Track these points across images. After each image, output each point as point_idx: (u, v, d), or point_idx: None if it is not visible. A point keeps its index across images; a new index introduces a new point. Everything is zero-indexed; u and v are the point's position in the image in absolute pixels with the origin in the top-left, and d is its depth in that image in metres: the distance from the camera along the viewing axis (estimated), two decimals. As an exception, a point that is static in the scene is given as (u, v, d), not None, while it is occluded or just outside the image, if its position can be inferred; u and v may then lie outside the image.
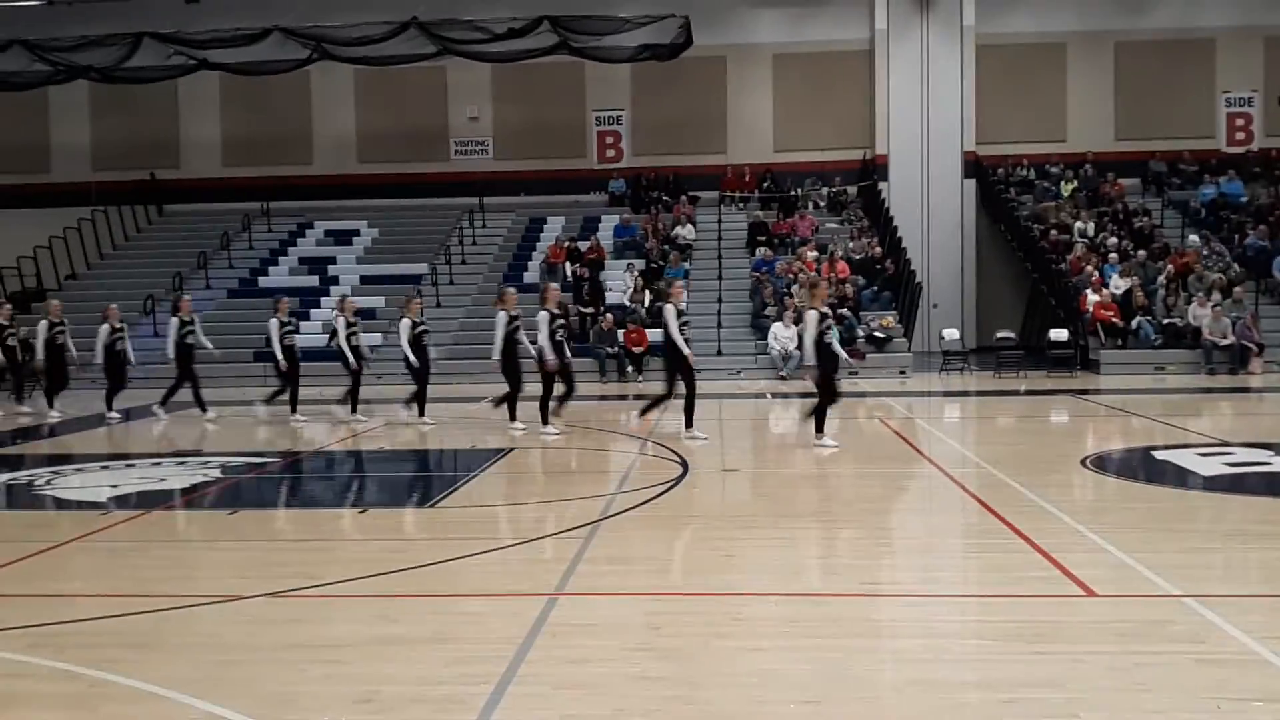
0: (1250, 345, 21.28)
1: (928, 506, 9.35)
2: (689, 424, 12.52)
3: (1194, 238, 24.99)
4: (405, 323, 14.87)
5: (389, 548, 7.55)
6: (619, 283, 25.02)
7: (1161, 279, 23.31)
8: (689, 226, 27.56)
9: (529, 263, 27.04)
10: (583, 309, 23.95)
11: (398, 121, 29.89)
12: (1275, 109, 28.69)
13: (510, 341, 13.59)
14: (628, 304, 24.18)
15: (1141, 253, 24.41)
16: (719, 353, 22.99)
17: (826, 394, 11.61)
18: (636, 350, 22.59)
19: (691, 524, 8.37)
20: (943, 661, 4.98)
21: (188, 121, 30.81)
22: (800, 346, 11.88)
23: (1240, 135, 28.91)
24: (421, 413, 14.89)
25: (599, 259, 26.12)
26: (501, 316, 13.57)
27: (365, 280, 26.52)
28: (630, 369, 22.42)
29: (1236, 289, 22.67)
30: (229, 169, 30.46)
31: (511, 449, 12.43)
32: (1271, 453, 10.87)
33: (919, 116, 28.63)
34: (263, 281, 26.83)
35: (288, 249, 28.67)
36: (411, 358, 14.67)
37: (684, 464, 10.87)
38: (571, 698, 4.56)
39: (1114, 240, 25.19)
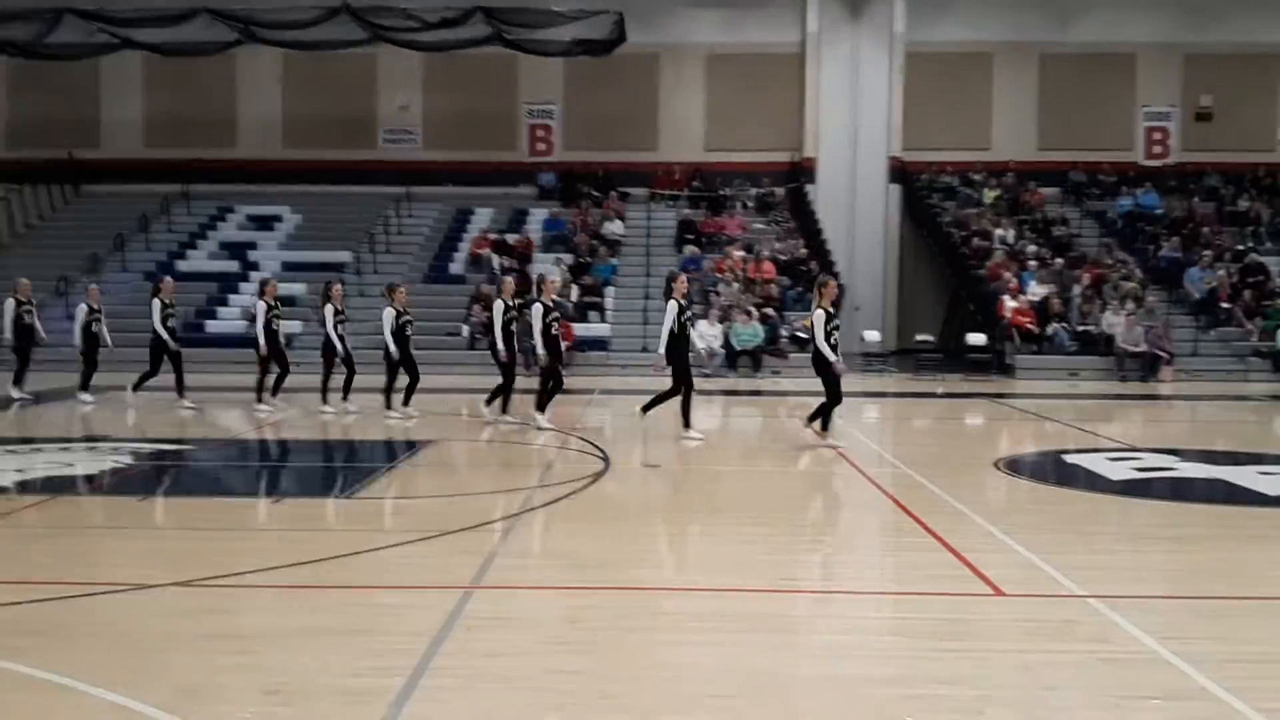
0: (1161, 354, 21.87)
1: (844, 505, 9.47)
2: (687, 424, 12.45)
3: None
4: (389, 312, 14.57)
5: (304, 538, 7.46)
6: (549, 277, 24.92)
7: (1077, 287, 23.84)
8: (618, 222, 27.58)
9: (455, 254, 26.86)
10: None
11: (325, 107, 29.50)
12: (1192, 124, 29.50)
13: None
14: (557, 298, 24.07)
15: (1059, 261, 24.95)
16: (644, 349, 23.02)
17: (834, 394, 11.66)
18: (564, 345, 22.48)
19: (611, 519, 8.38)
20: (854, 657, 5.06)
21: (109, 100, 30.12)
22: (813, 343, 11.79)
23: (1158, 149, 29.68)
24: (389, 405, 14.55)
25: (527, 252, 26.03)
26: (499, 305, 13.75)
27: (287, 267, 26.12)
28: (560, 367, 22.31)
29: (1149, 299, 23.29)
30: (150, 150, 29.81)
31: (434, 441, 12.34)
32: (1178, 458, 11.18)
33: (847, 121, 28.95)
34: (181, 265, 26.29)
35: (208, 233, 28.16)
36: (393, 348, 14.41)
37: (606, 459, 10.89)
38: (484, 691, 4.54)
39: (1033, 248, 25.71)
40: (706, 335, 22.20)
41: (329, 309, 14.88)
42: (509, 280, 14.44)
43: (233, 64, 29.09)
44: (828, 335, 11.39)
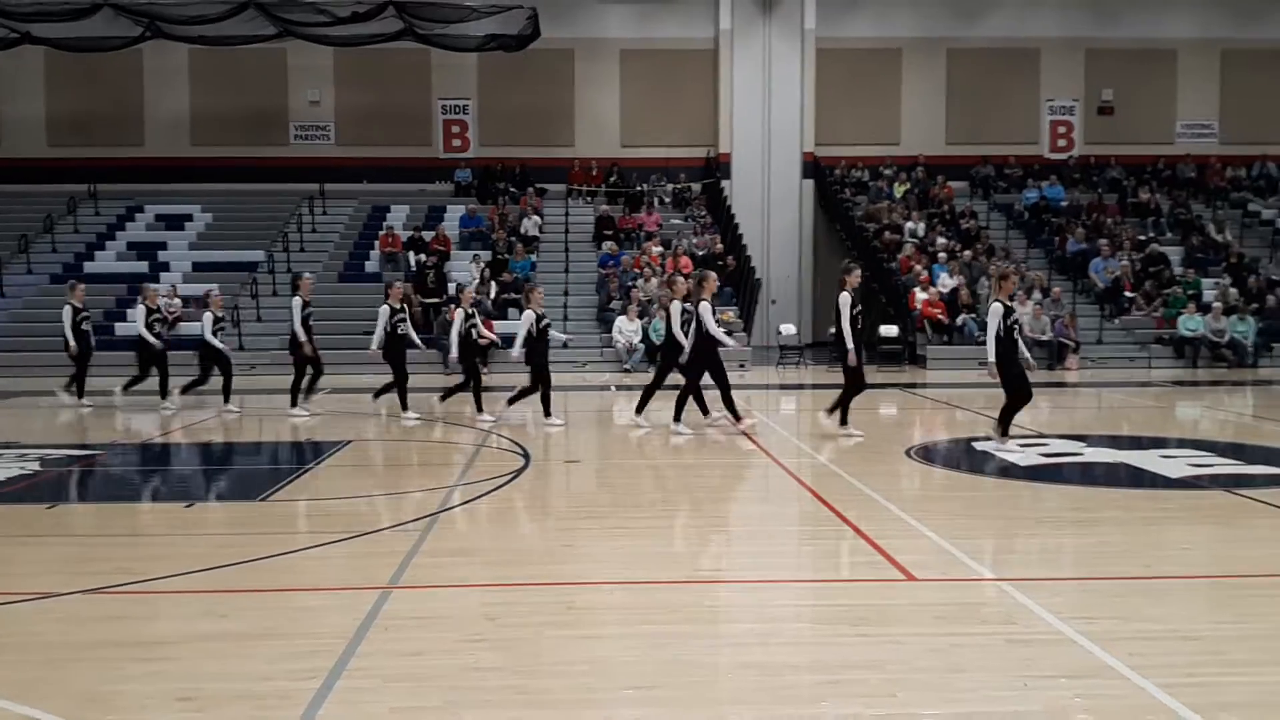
0: (1067, 342, 22.44)
1: (762, 496, 9.58)
2: (677, 417, 12.59)
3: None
4: (296, 301, 14.59)
5: (217, 542, 7.35)
6: (464, 273, 24.79)
7: (985, 278, 24.33)
8: (536, 219, 27.51)
9: (371, 252, 26.58)
10: (425, 300, 23.66)
11: (235, 103, 28.97)
12: (1094, 117, 30.27)
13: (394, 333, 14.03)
14: (474, 296, 23.94)
15: (968, 253, 25.45)
16: (565, 346, 23.01)
17: (855, 382, 11.96)
18: (482, 342, 22.37)
19: (531, 515, 8.40)
20: (771, 645, 5.13)
21: (9, 98, 29.26)
22: (838, 333, 11.96)
23: (1062, 142, 30.41)
24: (294, 402, 14.64)
25: (444, 249, 25.85)
26: (384, 310, 13.98)
27: (198, 267, 25.66)
28: (476, 360, 22.18)
29: (1055, 288, 23.86)
30: (54, 149, 29.03)
31: (350, 441, 12.22)
32: (1083, 444, 11.48)
33: (761, 116, 29.21)
34: (89, 267, 25.66)
35: (115, 233, 27.50)
36: (303, 338, 14.43)
37: (526, 456, 10.88)
38: (402, 690, 4.53)
39: (942, 240, 26.18)
40: (625, 331, 22.28)
41: (296, 301, 14.65)
42: (468, 290, 15.28)
43: (138, 60, 28.44)
44: (854, 321, 11.73)
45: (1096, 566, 6.80)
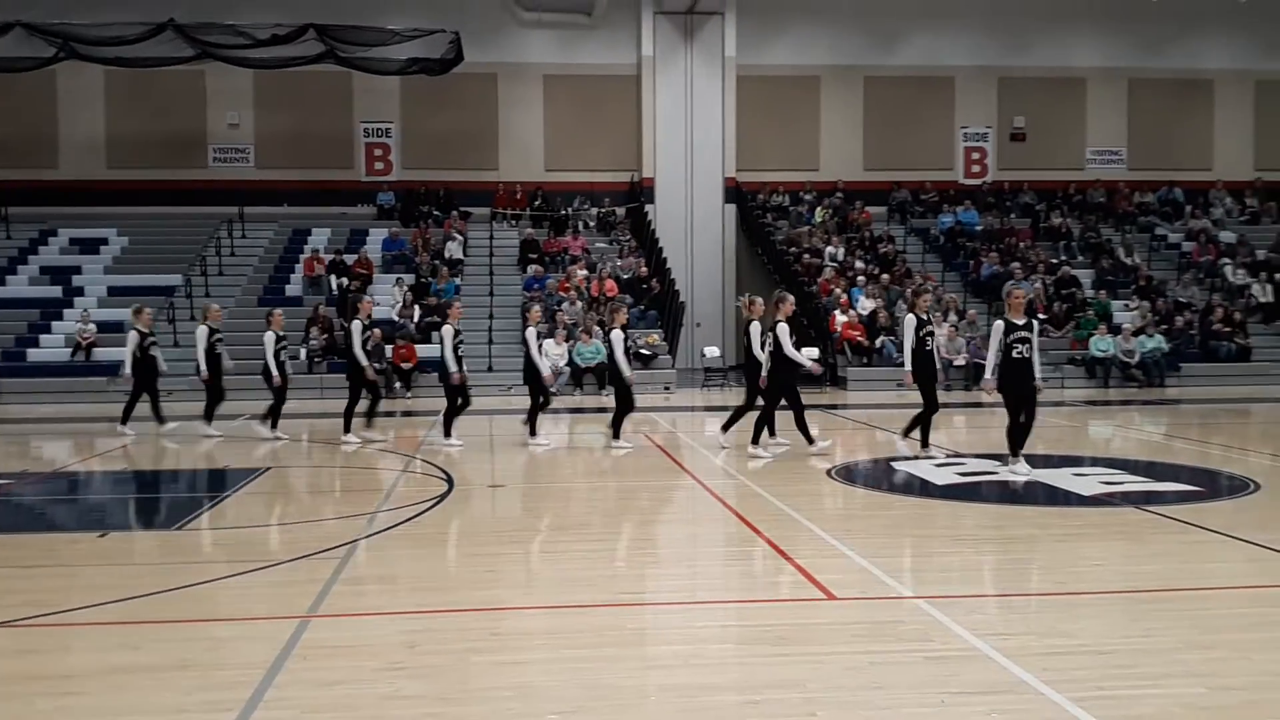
0: (983, 364, 22.82)
1: (686, 517, 9.63)
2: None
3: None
4: (269, 336, 14.64)
5: (131, 573, 7.20)
6: (387, 297, 24.61)
7: (902, 301, 24.75)
8: (460, 242, 27.41)
9: (291, 275, 26.27)
10: (347, 324, 23.38)
11: (152, 126, 28.45)
12: (1007, 144, 30.99)
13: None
14: (396, 319, 23.82)
15: (886, 276, 25.87)
16: (490, 369, 22.95)
17: (930, 403, 12.22)
18: (405, 366, 22.28)
19: (454, 540, 8.35)
20: (694, 666, 5.16)
21: (-83, 120, 28.44)
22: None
23: (976, 168, 31.08)
24: (275, 426, 14.71)
25: (366, 273, 25.63)
26: (270, 336, 14.27)
27: (113, 291, 25.12)
28: (399, 385, 22.06)
29: (971, 311, 24.34)
30: (-37, 172, 28.28)
31: (268, 468, 12.04)
32: (999, 463, 11.70)
33: (684, 141, 29.44)
34: (0, 292, 25.03)
35: (28, 257, 26.83)
36: (274, 372, 14.58)
37: (450, 480, 10.82)
38: (321, 720, 4.48)
39: (861, 264, 26.58)
40: (551, 354, 22.25)
41: (269, 335, 14.70)
42: (366, 301, 15.14)
43: (52, 81, 27.80)
44: (921, 341, 11.89)
45: (1012, 583, 6.95)
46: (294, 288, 25.87)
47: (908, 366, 11.74)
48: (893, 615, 5.95)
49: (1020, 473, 10.70)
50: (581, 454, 13.05)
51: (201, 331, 14.86)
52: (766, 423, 12.76)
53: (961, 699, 4.66)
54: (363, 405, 14.47)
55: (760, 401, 12.85)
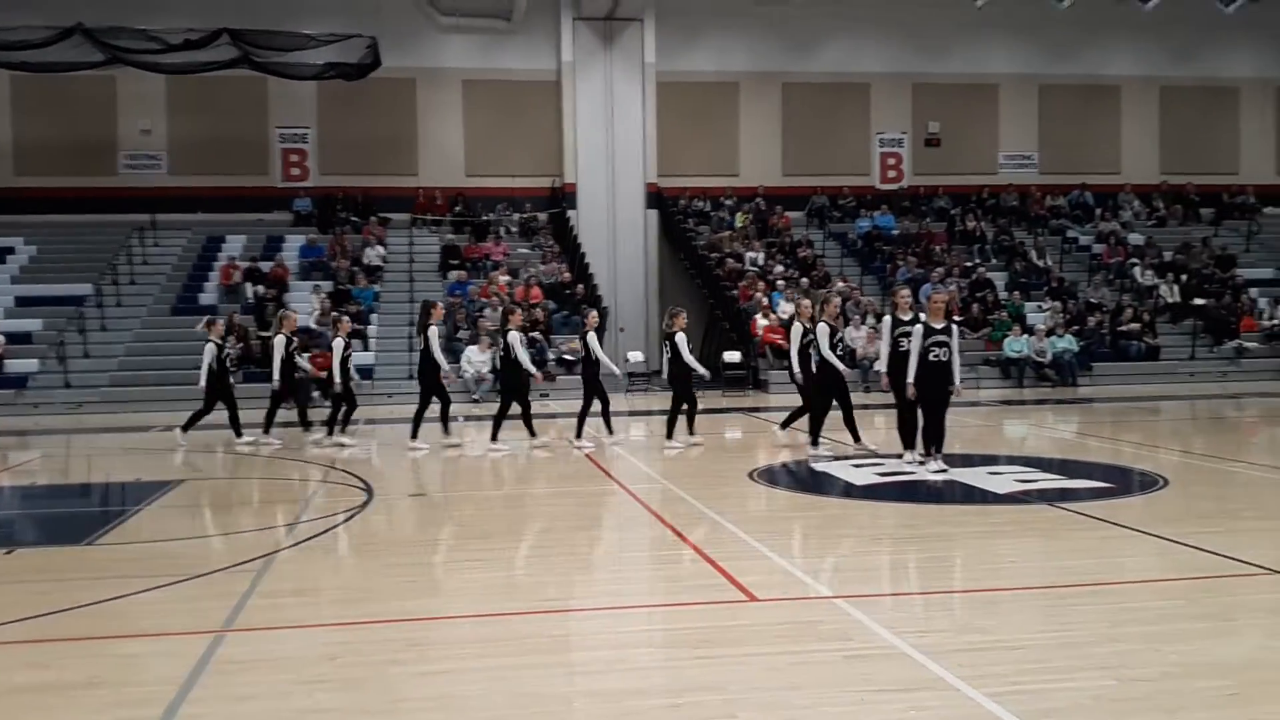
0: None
1: (608, 523, 9.62)
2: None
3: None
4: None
5: (39, 589, 6.99)
6: (304, 304, 24.25)
7: (804, 307, 24.99)
8: (379, 248, 27.13)
9: (205, 283, 25.78)
10: (263, 333, 23.03)
11: (61, 132, 27.73)
12: (922, 149, 31.51)
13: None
14: (314, 326, 23.48)
15: (805, 280, 26.14)
16: (411, 376, 22.68)
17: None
18: (322, 374, 21.91)
19: (374, 551, 8.25)
20: (616, 672, 5.16)
21: None
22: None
23: (892, 173, 31.54)
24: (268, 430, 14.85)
25: (283, 279, 25.25)
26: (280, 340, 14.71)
27: (21, 301, 24.48)
28: (316, 394, 21.71)
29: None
30: None
31: (184, 480, 11.80)
32: (916, 462, 11.86)
33: (605, 147, 29.47)
34: (-103, 302, 24.22)
35: (-69, 267, 26.03)
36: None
37: (369, 490, 10.69)
38: (238, 735, 4.40)
39: (781, 269, 26.83)
40: (475, 361, 22.12)
41: (337, 341, 14.80)
42: (345, 320, 15.46)
43: (-46, 87, 27.01)
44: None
45: (929, 581, 7.05)
46: (209, 296, 25.39)
47: (796, 370, 13.18)
48: (813, 615, 6.00)
49: (930, 468, 10.98)
50: (504, 461, 12.99)
51: (279, 341, 14.86)
52: (811, 421, 13.06)
53: (880, 697, 4.71)
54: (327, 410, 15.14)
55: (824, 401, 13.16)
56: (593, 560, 8.04)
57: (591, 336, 14.13)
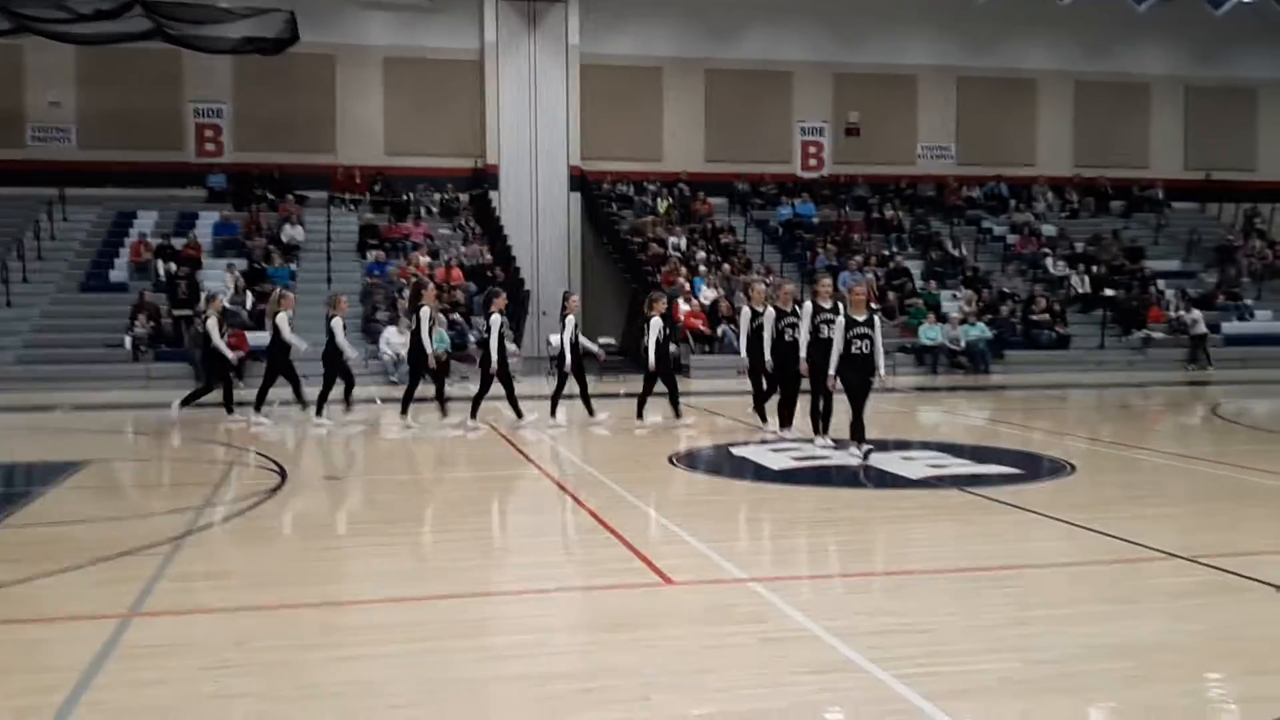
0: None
1: (527, 506, 9.61)
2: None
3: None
4: (282, 317, 14.65)
5: (-63, 574, 6.78)
6: (218, 283, 23.76)
7: (743, 291, 25.20)
8: (297, 227, 26.68)
9: (116, 260, 25.14)
10: (176, 311, 22.57)
11: (-37, 104, 26.84)
12: (843, 139, 31.82)
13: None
14: (227, 305, 22.98)
15: (727, 266, 26.29)
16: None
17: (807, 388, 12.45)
18: (237, 355, 21.52)
19: (287, 534, 8.14)
20: (534, 656, 5.15)
21: None
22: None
23: (813, 161, 31.82)
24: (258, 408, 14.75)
25: (196, 257, 24.72)
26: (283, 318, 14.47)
27: (-81, 277, 23.64)
28: (231, 374, 21.28)
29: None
30: None
31: (91, 460, 11.51)
32: (832, 447, 12.01)
33: (528, 129, 29.31)
34: None
35: None
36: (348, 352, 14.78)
37: (283, 472, 10.54)
38: (143, 722, 4.31)
39: (703, 254, 26.95)
40: (393, 343, 21.87)
41: (337, 321, 14.64)
42: (343, 298, 15.32)
43: None
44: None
45: (843, 564, 7.16)
46: (119, 273, 24.77)
47: (744, 354, 13.13)
48: (728, 599, 6.05)
49: (853, 452, 11.09)
50: (422, 444, 12.88)
51: (337, 323, 14.56)
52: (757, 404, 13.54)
53: (792, 679, 4.77)
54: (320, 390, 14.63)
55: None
56: (510, 544, 8.02)
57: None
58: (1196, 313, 25.76)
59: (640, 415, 14.22)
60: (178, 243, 25.12)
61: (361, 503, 9.68)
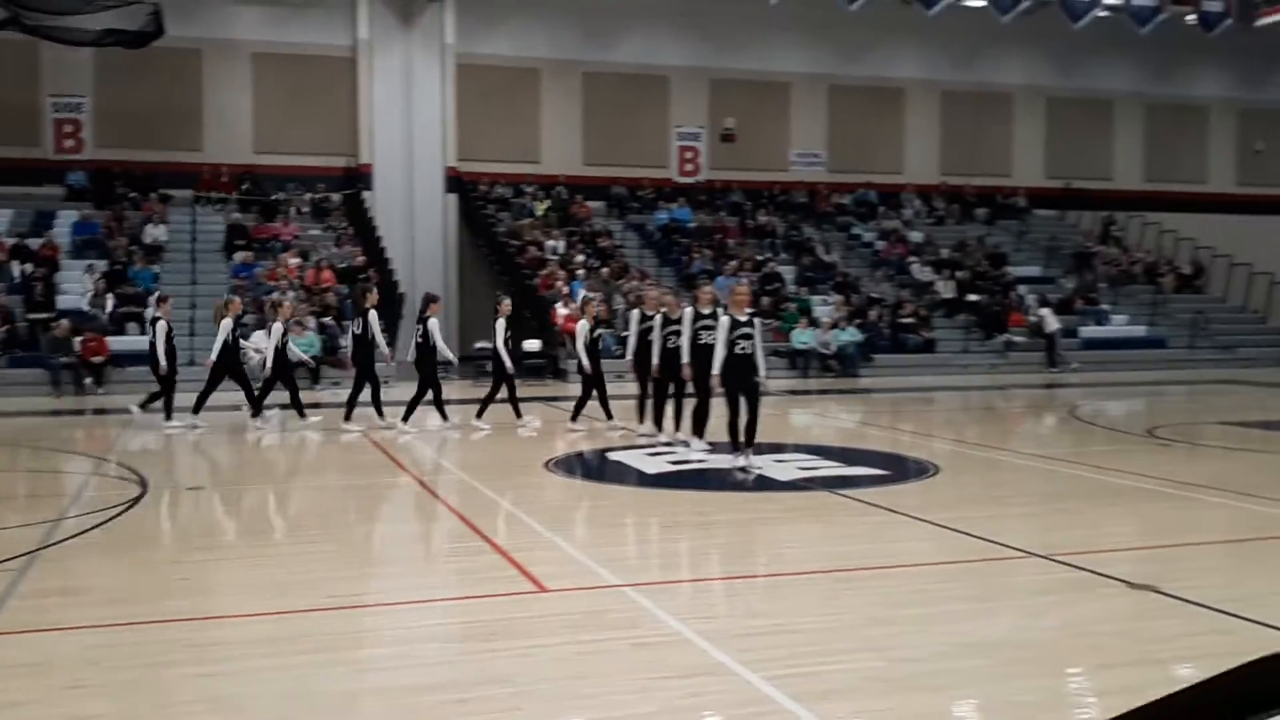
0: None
1: (400, 515, 9.48)
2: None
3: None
4: (277, 327, 14.61)
5: None
6: (77, 285, 22.90)
7: (618, 295, 25.30)
8: (161, 226, 25.84)
9: (-34, 261, 24.00)
10: (31, 315, 21.66)
11: None
12: (718, 144, 32.17)
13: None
14: (87, 309, 22.20)
15: (605, 270, 26.36)
16: (191, 362, 21.73)
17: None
18: (96, 360, 20.80)
19: (146, 547, 7.87)
20: (405, 668, 5.08)
21: None
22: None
23: (689, 166, 32.08)
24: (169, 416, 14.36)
25: (53, 258, 23.76)
26: (227, 323, 14.32)
27: None
28: (89, 380, 20.58)
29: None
30: None
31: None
32: (706, 450, 12.16)
33: (402, 128, 28.89)
34: None
35: None
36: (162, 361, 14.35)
37: (144, 483, 10.20)
38: (-10, 748, 4.13)
39: (581, 258, 26.96)
40: (264, 346, 21.31)
41: (276, 326, 14.67)
42: (235, 300, 15.94)
43: None
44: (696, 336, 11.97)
45: (715, 567, 7.24)
46: (-32, 274, 23.65)
47: (629, 357, 13.78)
48: (602, 604, 6.07)
49: (739, 462, 11.04)
50: (289, 451, 12.61)
51: (226, 324, 14.39)
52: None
53: (663, 683, 4.80)
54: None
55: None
56: (381, 554, 7.91)
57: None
58: (1044, 311, 26.58)
59: (518, 415, 14.65)
60: (34, 243, 24.09)
61: (225, 514, 9.43)
